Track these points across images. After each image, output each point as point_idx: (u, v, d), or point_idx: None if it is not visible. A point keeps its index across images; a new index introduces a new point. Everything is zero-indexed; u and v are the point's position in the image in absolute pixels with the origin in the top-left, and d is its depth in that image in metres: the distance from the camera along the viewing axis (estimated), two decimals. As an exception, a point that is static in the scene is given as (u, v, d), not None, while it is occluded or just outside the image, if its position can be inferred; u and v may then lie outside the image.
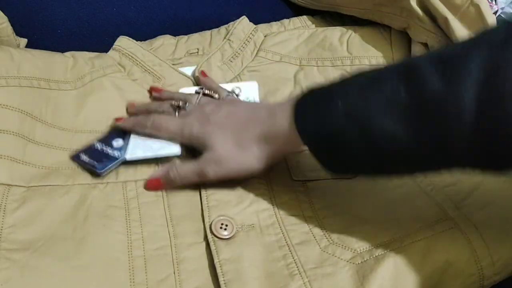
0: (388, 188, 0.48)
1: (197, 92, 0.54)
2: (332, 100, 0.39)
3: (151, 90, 0.57)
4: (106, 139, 0.51)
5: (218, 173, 0.46)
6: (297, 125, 0.41)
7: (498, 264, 0.42)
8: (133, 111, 0.55)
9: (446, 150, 0.35)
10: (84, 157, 0.49)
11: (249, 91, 0.57)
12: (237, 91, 0.56)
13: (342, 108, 0.39)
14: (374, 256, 0.42)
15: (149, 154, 0.50)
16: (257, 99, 0.56)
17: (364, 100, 0.38)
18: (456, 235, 0.43)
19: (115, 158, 0.49)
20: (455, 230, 0.43)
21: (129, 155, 0.50)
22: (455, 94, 0.33)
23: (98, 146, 0.51)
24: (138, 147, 0.50)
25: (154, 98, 0.57)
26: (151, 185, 0.48)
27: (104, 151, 0.50)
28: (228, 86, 0.56)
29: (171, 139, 0.50)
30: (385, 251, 0.42)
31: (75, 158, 0.50)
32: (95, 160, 0.49)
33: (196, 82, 0.58)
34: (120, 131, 0.52)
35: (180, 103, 0.52)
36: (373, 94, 0.37)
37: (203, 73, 0.58)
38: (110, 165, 0.48)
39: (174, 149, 0.50)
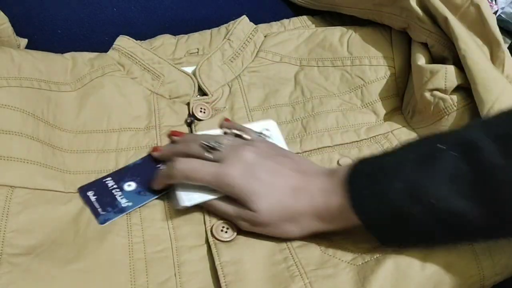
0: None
1: (225, 133, 0.50)
2: (389, 178, 0.39)
3: (171, 135, 0.53)
4: (120, 176, 0.49)
5: (252, 230, 0.44)
6: (355, 208, 0.41)
7: (499, 264, 0.42)
8: (157, 155, 0.51)
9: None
10: (91, 195, 0.47)
11: (272, 130, 0.54)
12: (267, 133, 0.53)
13: (402, 187, 0.38)
14: (374, 257, 0.42)
15: (207, 197, 0.45)
16: (282, 140, 0.53)
17: (424, 177, 0.38)
18: (456, 236, 0.43)
19: (120, 211, 0.46)
20: (455, 231, 0.44)
21: (188, 202, 0.45)
22: None
23: (109, 183, 0.48)
24: (190, 189, 0.45)
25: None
26: None
27: (113, 194, 0.47)
28: (255, 127, 0.53)
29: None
30: (386, 252, 0.42)
31: (82, 193, 0.47)
32: (100, 204, 0.46)
33: (196, 80, 0.58)
34: (138, 169, 0.49)
35: (212, 143, 0.46)
36: (433, 171, 0.38)
37: (226, 120, 0.54)
38: (114, 219, 0.46)
39: None
